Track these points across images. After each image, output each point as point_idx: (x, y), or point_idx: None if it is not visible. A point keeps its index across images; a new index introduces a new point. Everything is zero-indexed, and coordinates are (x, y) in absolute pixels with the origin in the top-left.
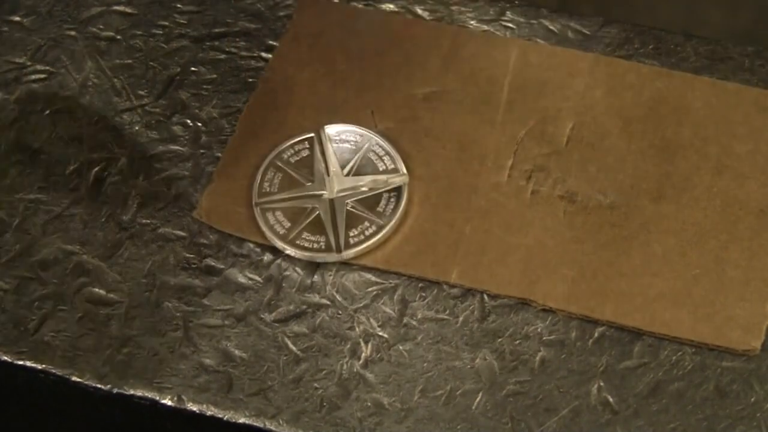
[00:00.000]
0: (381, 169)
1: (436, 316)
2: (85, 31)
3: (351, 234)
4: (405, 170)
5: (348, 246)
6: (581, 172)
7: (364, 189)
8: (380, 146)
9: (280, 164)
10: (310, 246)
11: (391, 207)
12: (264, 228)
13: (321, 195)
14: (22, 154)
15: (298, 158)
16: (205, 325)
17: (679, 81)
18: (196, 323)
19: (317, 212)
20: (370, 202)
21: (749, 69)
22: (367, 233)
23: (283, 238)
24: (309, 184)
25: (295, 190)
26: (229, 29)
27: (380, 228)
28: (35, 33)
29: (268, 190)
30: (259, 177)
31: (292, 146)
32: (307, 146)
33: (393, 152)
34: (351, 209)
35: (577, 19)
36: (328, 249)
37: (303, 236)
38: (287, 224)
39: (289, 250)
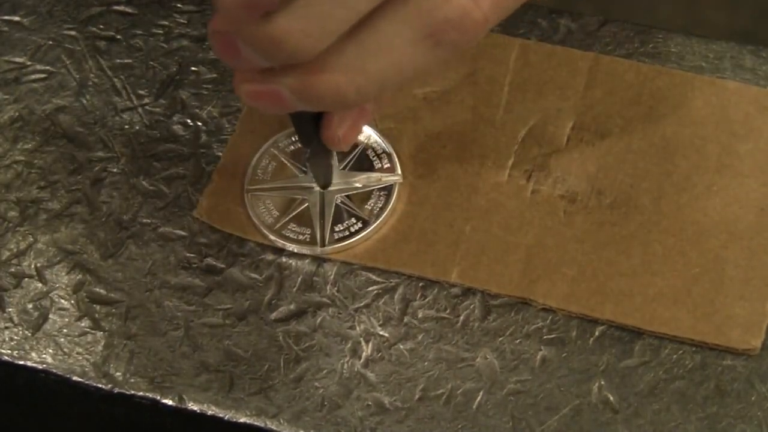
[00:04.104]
0: (377, 167)
1: (437, 315)
2: (85, 31)
3: (336, 229)
4: (400, 171)
5: (332, 241)
6: (581, 171)
7: (357, 185)
8: (379, 144)
9: (275, 152)
10: (295, 237)
11: (380, 206)
12: (252, 215)
13: (312, 187)
14: (23, 154)
15: (294, 148)
16: (206, 325)
17: (679, 80)
18: (197, 322)
19: (306, 204)
20: (360, 200)
21: (749, 69)
22: (352, 230)
23: (269, 227)
24: (302, 175)
25: (288, 179)
26: None
27: (365, 226)
28: (35, 33)
29: (260, 177)
30: (253, 163)
31: (289, 135)
32: None
33: (391, 152)
34: (340, 204)
35: (577, 18)
36: (312, 242)
37: (289, 227)
38: (275, 213)
39: (276, 241)
